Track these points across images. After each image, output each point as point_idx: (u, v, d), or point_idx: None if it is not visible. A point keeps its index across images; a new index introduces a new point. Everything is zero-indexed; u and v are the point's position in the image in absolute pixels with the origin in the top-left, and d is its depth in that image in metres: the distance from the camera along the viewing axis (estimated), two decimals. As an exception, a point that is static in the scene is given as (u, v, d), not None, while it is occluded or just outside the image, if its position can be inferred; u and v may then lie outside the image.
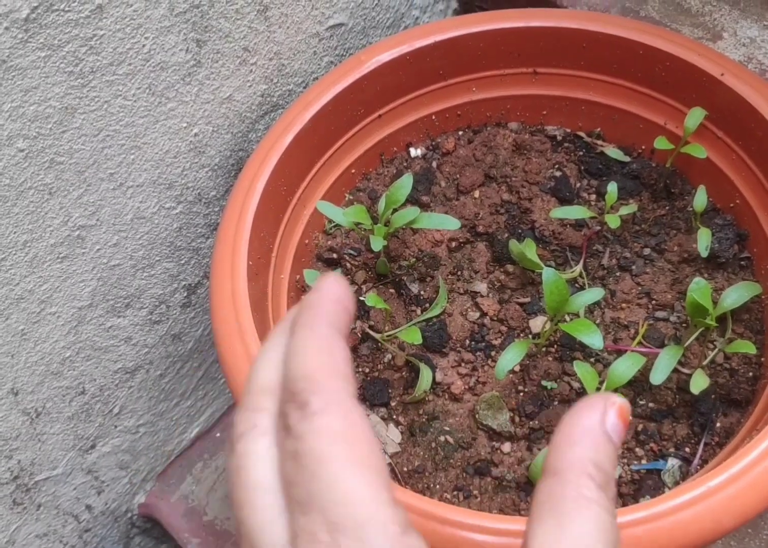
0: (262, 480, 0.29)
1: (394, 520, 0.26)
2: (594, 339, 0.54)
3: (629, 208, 0.64)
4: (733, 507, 0.46)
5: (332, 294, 0.31)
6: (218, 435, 0.87)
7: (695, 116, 0.62)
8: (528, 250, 0.63)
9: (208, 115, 0.63)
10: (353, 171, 0.70)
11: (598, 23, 0.64)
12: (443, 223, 0.60)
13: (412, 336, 0.58)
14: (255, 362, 0.32)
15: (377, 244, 0.59)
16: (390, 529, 0.26)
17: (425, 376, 0.60)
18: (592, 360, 0.61)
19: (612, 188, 0.63)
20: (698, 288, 0.54)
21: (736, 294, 0.58)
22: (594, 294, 0.57)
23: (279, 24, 0.64)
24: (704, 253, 0.61)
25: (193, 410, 0.83)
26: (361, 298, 0.65)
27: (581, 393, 0.59)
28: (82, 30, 0.50)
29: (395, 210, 0.62)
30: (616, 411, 0.31)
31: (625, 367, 0.55)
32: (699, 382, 0.56)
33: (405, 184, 0.60)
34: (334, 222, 0.65)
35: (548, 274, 0.54)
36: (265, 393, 0.31)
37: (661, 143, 0.62)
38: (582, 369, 0.55)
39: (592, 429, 0.31)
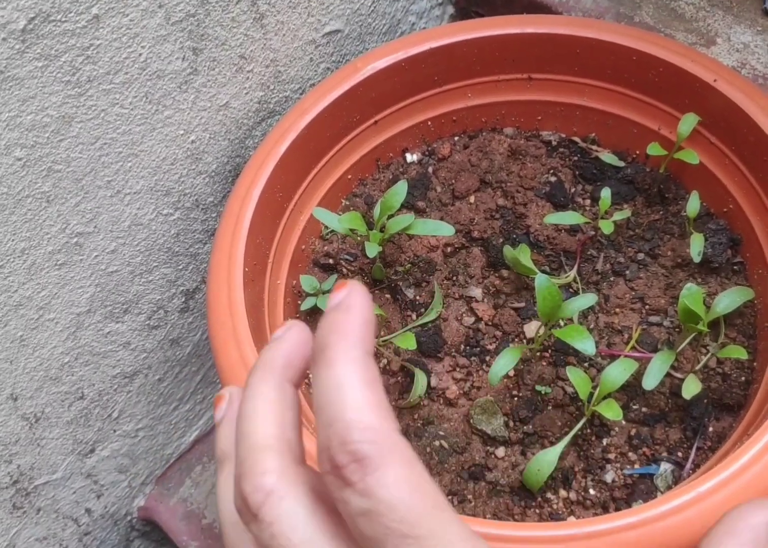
0: (310, 540, 0.28)
1: None
2: (587, 345, 0.54)
3: (623, 214, 0.64)
4: (724, 512, 0.46)
5: (359, 314, 0.29)
6: (217, 438, 0.88)
7: (688, 122, 0.62)
8: (522, 255, 0.63)
9: (205, 122, 0.64)
10: (349, 176, 0.70)
11: (591, 30, 0.64)
12: (438, 229, 0.60)
13: (407, 341, 0.59)
14: (241, 418, 0.30)
15: (372, 250, 0.59)
16: None
17: (420, 381, 0.60)
18: (585, 364, 0.62)
19: (606, 194, 0.63)
20: (690, 294, 0.55)
21: (729, 299, 0.58)
22: (587, 299, 0.57)
23: (275, 31, 0.64)
24: (697, 259, 0.61)
25: (191, 414, 0.84)
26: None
27: (575, 397, 0.60)
28: (78, 40, 0.51)
29: (390, 216, 0.63)
30: None
31: (618, 372, 0.55)
32: (691, 387, 0.56)
33: (400, 190, 0.60)
34: (330, 227, 0.66)
35: (541, 280, 0.54)
36: (268, 452, 0.29)
37: (654, 149, 0.63)
38: (575, 375, 0.56)
39: (757, 527, 0.32)
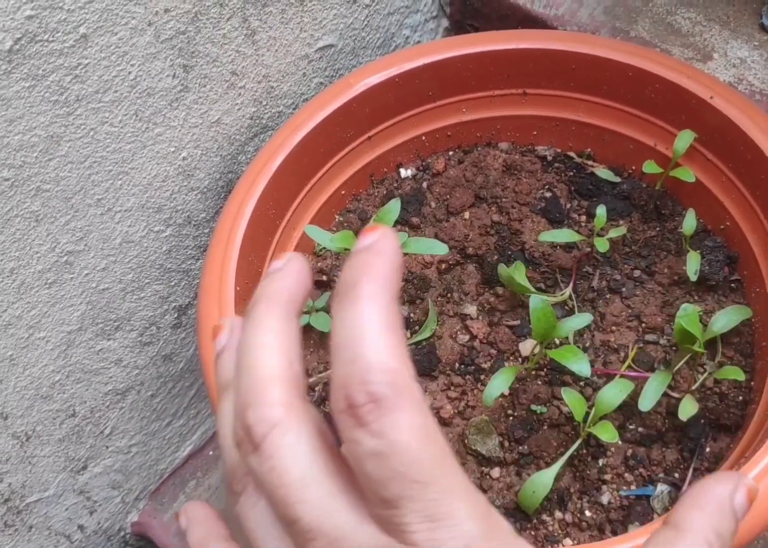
0: (310, 475, 0.28)
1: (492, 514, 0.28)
2: (582, 366, 0.53)
3: (618, 231, 0.64)
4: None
5: (391, 258, 0.28)
6: (211, 453, 0.87)
7: (684, 139, 0.62)
8: (517, 273, 0.62)
9: (197, 138, 0.63)
10: (343, 192, 0.70)
11: (586, 45, 0.63)
12: (431, 247, 0.60)
13: (401, 361, 0.58)
14: (247, 348, 0.30)
15: (365, 269, 0.59)
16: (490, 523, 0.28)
17: (414, 401, 0.59)
18: (581, 384, 0.61)
19: (601, 211, 0.62)
20: (686, 314, 0.54)
21: (726, 318, 0.58)
22: (582, 319, 0.57)
23: (267, 47, 0.64)
24: (693, 277, 0.61)
25: (185, 429, 0.83)
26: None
27: (570, 417, 0.59)
28: (66, 59, 0.50)
29: (384, 233, 0.62)
30: (746, 491, 0.33)
31: (613, 394, 0.55)
32: (687, 408, 0.55)
33: (393, 208, 0.60)
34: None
35: (535, 301, 0.54)
36: (276, 383, 0.28)
37: (650, 167, 0.62)
38: (570, 397, 0.55)
39: (722, 499, 0.33)
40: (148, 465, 0.82)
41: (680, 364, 0.59)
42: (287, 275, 0.31)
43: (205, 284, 0.57)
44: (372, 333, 0.27)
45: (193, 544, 0.36)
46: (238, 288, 0.57)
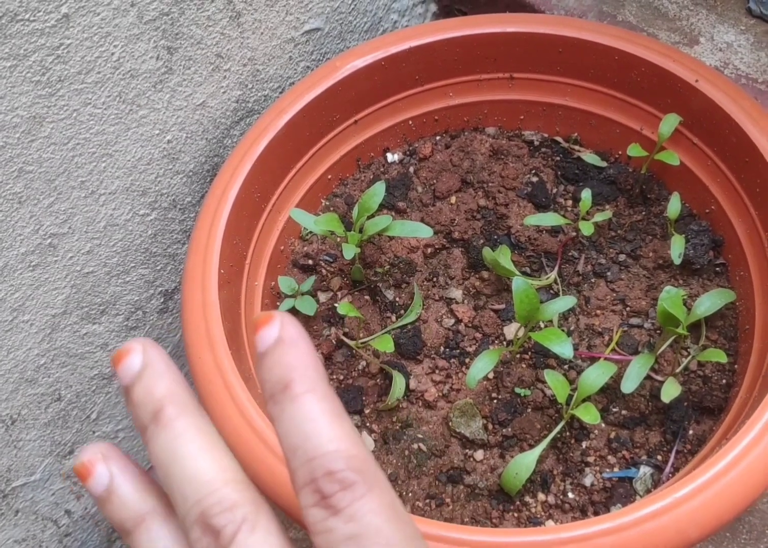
0: None
1: None
2: (564, 348, 0.53)
3: (604, 215, 0.64)
4: (699, 518, 0.46)
5: (307, 346, 0.29)
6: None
7: (669, 122, 0.62)
8: (502, 257, 0.63)
9: (182, 121, 0.63)
10: (329, 176, 0.70)
11: (573, 29, 0.63)
12: (416, 230, 0.60)
13: (384, 344, 0.58)
14: (174, 458, 0.29)
15: (349, 252, 0.59)
16: None
17: (398, 384, 0.60)
18: (565, 367, 0.61)
19: (586, 195, 0.62)
20: (669, 296, 0.54)
21: (710, 301, 0.58)
22: (565, 302, 0.57)
23: (252, 30, 0.64)
24: (677, 261, 0.61)
25: (173, 414, 0.83)
26: (335, 305, 0.65)
27: (554, 400, 0.59)
28: (48, 39, 0.50)
29: (371, 216, 0.62)
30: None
31: (596, 376, 0.55)
32: (670, 391, 0.55)
33: (377, 191, 0.60)
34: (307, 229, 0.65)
35: (518, 283, 0.54)
36: (230, 485, 0.28)
37: (634, 150, 0.62)
38: (553, 378, 0.55)
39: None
40: (135, 451, 0.82)
41: (664, 347, 0.59)
42: (166, 373, 0.31)
43: (190, 267, 0.57)
44: (322, 425, 0.27)
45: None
46: (222, 271, 0.57)
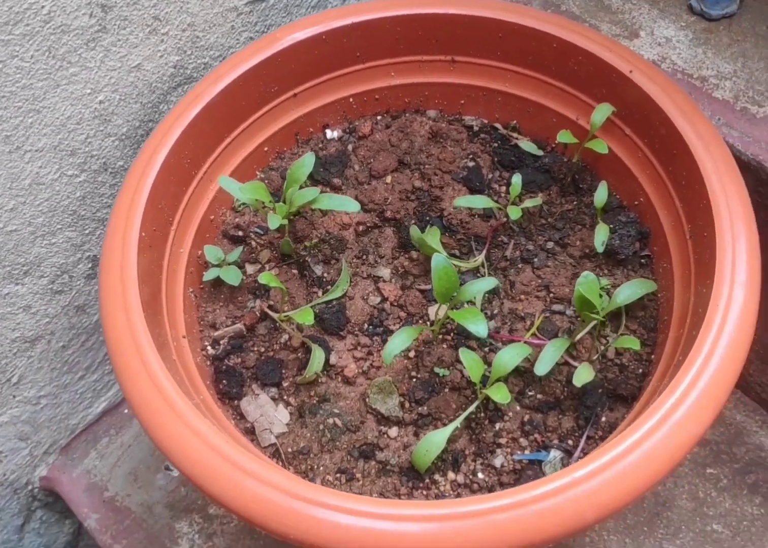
0: None
1: None
2: (479, 327, 0.54)
3: (533, 202, 0.64)
4: (596, 499, 0.46)
5: None
6: (126, 411, 0.86)
7: (602, 111, 0.62)
8: (431, 237, 0.63)
9: (115, 82, 0.62)
10: (266, 148, 0.69)
11: (513, 14, 0.64)
12: (343, 204, 0.59)
13: (305, 316, 0.58)
14: None
15: (274, 222, 0.58)
16: None
17: (317, 358, 0.59)
18: (486, 349, 0.61)
19: (516, 180, 0.63)
20: (586, 282, 0.54)
21: (629, 290, 0.58)
22: (486, 283, 0.57)
23: (193, -5, 0.63)
24: (600, 249, 0.61)
25: (99, 384, 0.82)
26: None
27: (471, 381, 0.59)
28: (-29, -16, 0.49)
29: (303, 187, 0.62)
30: None
31: (510, 356, 0.55)
32: (582, 375, 0.56)
33: (306, 162, 0.59)
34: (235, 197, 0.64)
35: (438, 260, 0.54)
36: None
37: (564, 136, 0.63)
38: (467, 357, 0.55)
39: None
40: (58, 419, 0.80)
41: (582, 334, 0.59)
42: None
43: (111, 228, 0.57)
44: None
45: None
46: (143, 234, 0.56)
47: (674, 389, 0.49)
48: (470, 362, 0.55)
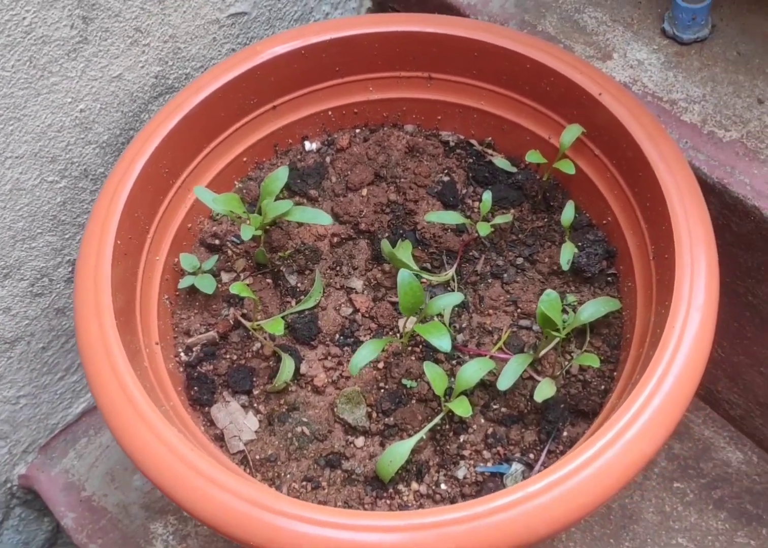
0: None
1: None
2: (442, 341, 0.55)
3: (504, 218, 0.65)
4: (548, 514, 0.47)
5: None
6: (104, 411, 0.87)
7: (572, 132, 0.63)
8: (402, 251, 0.64)
9: (96, 92, 0.63)
10: (245, 159, 0.70)
11: (489, 34, 0.65)
12: (315, 217, 0.61)
13: (275, 326, 0.59)
14: None
15: (247, 233, 0.60)
16: None
17: (287, 367, 0.61)
18: (453, 362, 0.63)
19: (486, 197, 0.64)
20: (548, 300, 0.56)
21: (593, 308, 0.60)
22: (453, 298, 0.58)
23: (174, 7, 0.64)
24: (565, 266, 0.63)
25: (79, 385, 0.83)
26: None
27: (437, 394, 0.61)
28: (-47, -3, 0.50)
29: (279, 199, 0.63)
30: None
31: (474, 371, 0.56)
32: (544, 391, 0.57)
33: (280, 176, 0.61)
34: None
35: (403, 275, 0.55)
36: None
37: (533, 157, 0.64)
38: (431, 371, 0.57)
39: None
40: (38, 419, 0.82)
41: (547, 350, 0.61)
42: None
43: (87, 235, 0.58)
44: None
45: None
46: (118, 242, 0.58)
47: (628, 408, 0.50)
48: (434, 375, 0.56)
